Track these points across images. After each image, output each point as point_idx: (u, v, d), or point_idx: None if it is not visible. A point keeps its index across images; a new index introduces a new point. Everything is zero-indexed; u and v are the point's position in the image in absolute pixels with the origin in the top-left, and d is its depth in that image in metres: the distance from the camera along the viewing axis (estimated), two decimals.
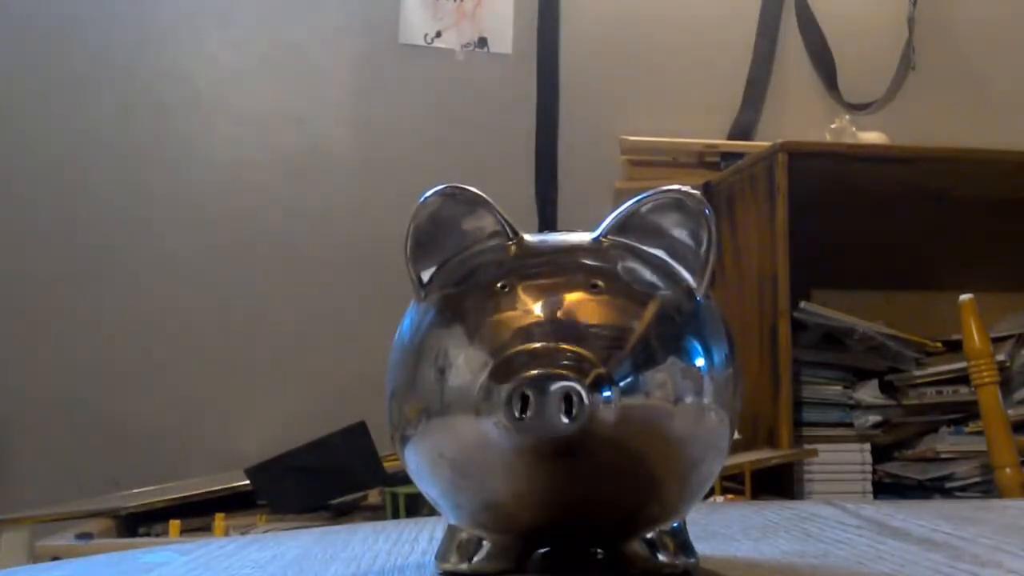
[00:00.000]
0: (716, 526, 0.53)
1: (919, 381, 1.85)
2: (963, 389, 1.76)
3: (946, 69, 2.26)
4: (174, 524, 1.42)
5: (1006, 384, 1.73)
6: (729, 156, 2.04)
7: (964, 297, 1.40)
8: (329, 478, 1.48)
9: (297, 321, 2.04)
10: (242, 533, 1.36)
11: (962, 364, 1.56)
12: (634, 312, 0.37)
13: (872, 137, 2.02)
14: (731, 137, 2.17)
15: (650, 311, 0.37)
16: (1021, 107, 2.28)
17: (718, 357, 0.38)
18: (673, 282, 0.39)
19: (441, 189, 0.40)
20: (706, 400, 0.37)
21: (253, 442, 1.84)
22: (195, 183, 2.06)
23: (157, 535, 1.43)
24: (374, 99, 2.12)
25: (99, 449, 1.93)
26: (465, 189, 0.40)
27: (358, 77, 2.12)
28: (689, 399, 0.37)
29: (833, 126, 2.05)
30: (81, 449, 1.94)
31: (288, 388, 2.03)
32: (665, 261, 0.39)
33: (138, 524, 1.48)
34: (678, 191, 0.39)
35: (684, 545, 0.40)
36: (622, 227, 0.40)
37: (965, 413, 1.80)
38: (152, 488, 1.65)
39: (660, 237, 0.39)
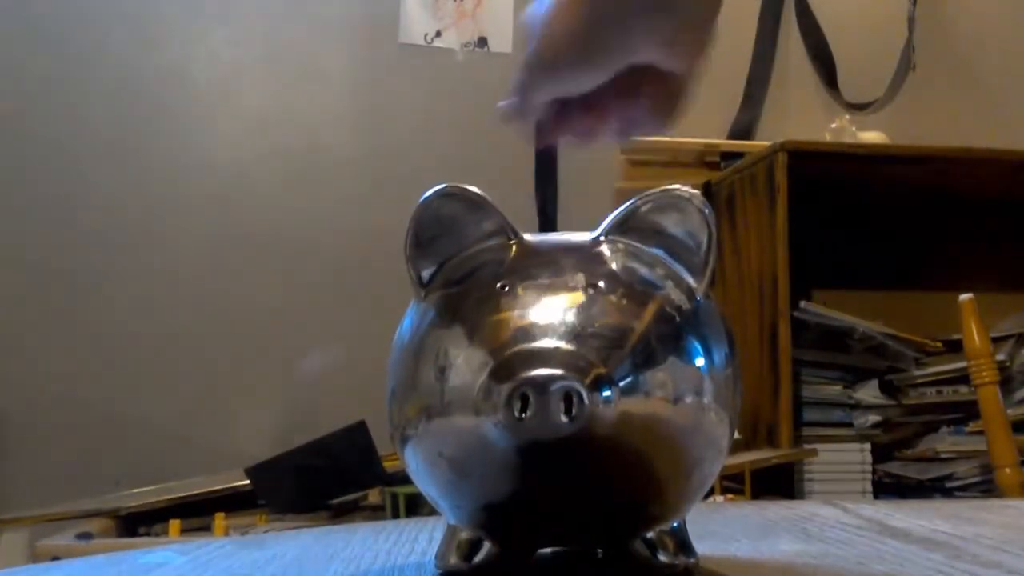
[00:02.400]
0: (716, 526, 0.53)
1: (919, 381, 1.85)
2: (963, 389, 1.76)
3: (946, 69, 2.26)
4: (174, 524, 1.42)
5: (1006, 384, 1.73)
6: (729, 156, 2.04)
7: (964, 297, 1.40)
8: (329, 478, 1.48)
9: (297, 321, 2.04)
10: (242, 533, 1.36)
11: (962, 364, 1.56)
12: (634, 312, 0.37)
13: (872, 137, 2.02)
14: (731, 137, 2.17)
15: (650, 311, 0.37)
16: (1021, 107, 2.28)
17: (718, 357, 0.38)
18: (673, 282, 0.39)
19: (442, 189, 0.40)
20: (706, 400, 0.37)
21: (253, 442, 1.84)
22: (194, 182, 2.05)
23: (157, 535, 1.43)
24: (374, 98, 2.12)
25: (99, 449, 1.93)
26: (465, 189, 0.40)
27: (358, 76, 2.12)
28: (689, 399, 0.37)
29: (833, 126, 2.05)
30: (81, 449, 1.94)
31: (288, 387, 2.02)
32: (665, 261, 0.39)
33: (138, 524, 1.47)
34: (678, 191, 0.39)
35: (684, 545, 0.40)
36: (622, 227, 0.40)
37: (965, 413, 1.80)
38: (152, 488, 1.65)
39: (660, 237, 0.39)
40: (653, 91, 0.45)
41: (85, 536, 1.37)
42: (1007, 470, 1.37)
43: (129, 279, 2.01)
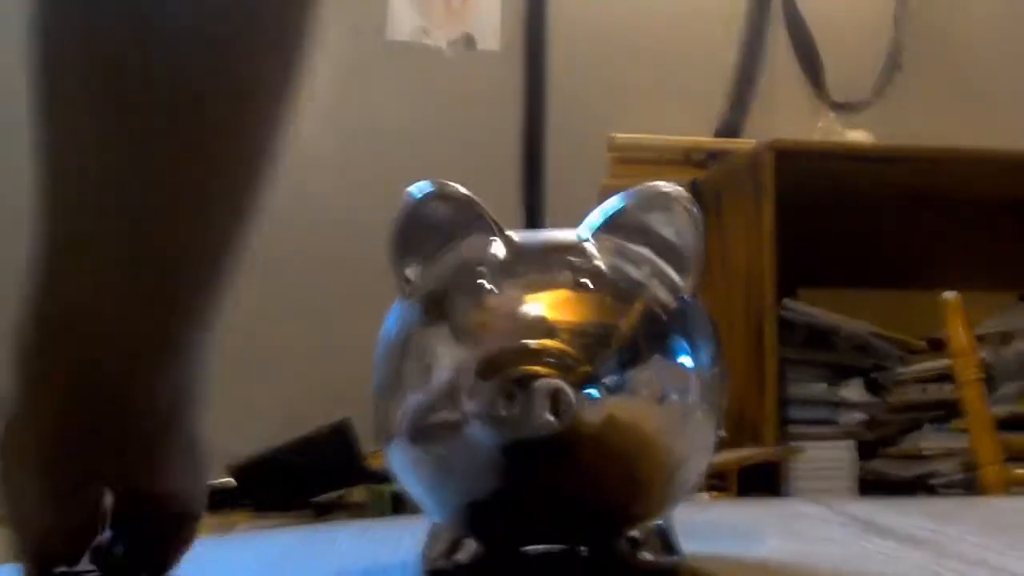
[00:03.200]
0: (702, 524, 0.53)
1: (904, 379, 1.85)
2: (947, 387, 1.77)
3: (932, 69, 2.27)
4: None
5: (989, 382, 1.73)
6: (716, 154, 2.04)
7: (948, 295, 1.41)
8: (313, 476, 1.48)
9: (282, 318, 2.03)
10: (225, 531, 1.35)
11: (946, 362, 1.57)
12: (620, 310, 0.37)
13: (858, 136, 2.03)
14: (718, 135, 2.17)
15: (636, 309, 0.37)
16: (1007, 107, 2.29)
17: (704, 356, 0.38)
18: (660, 280, 0.39)
19: (427, 186, 0.40)
20: (692, 399, 0.37)
21: (236, 439, 1.82)
22: None
23: None
24: (359, 96, 2.11)
25: None
26: (451, 186, 0.40)
27: (345, 75, 2.11)
28: (675, 398, 0.37)
29: (820, 125, 2.05)
30: None
31: (272, 385, 2.01)
32: (652, 259, 0.39)
33: None
34: (665, 189, 0.39)
35: (669, 544, 0.40)
36: (609, 226, 0.39)
37: (949, 411, 1.81)
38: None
39: (647, 235, 0.39)
40: None
41: None
42: (990, 468, 1.37)
43: None
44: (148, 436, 0.37)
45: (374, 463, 1.46)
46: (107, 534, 0.38)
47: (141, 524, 0.38)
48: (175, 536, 0.39)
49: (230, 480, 1.50)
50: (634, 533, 0.39)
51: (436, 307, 0.38)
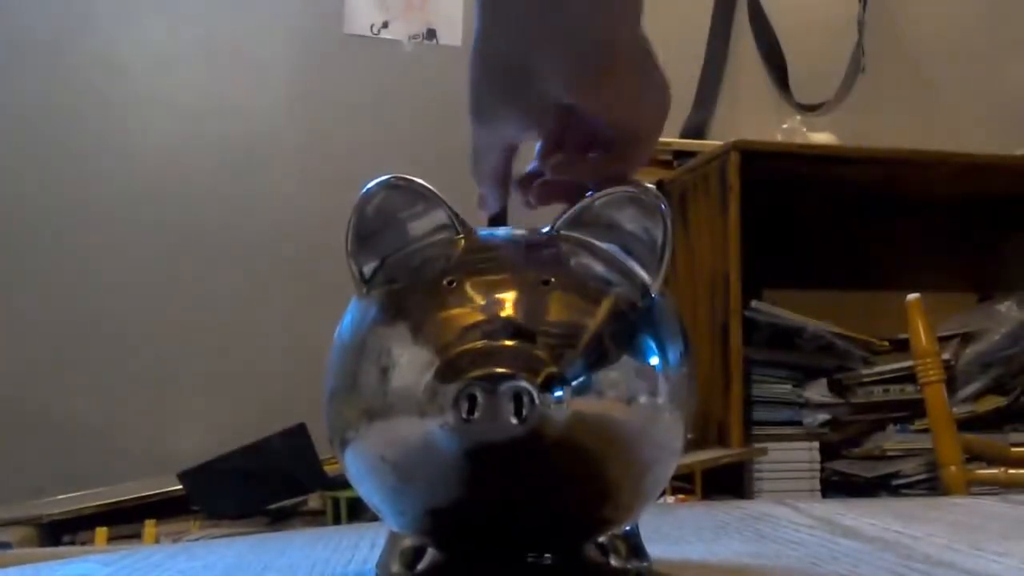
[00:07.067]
0: (668, 527, 0.52)
1: (867, 380, 1.87)
2: (909, 388, 1.79)
3: (895, 72, 2.29)
4: (101, 532, 1.36)
5: (951, 383, 1.76)
6: (682, 155, 2.04)
7: (911, 297, 1.42)
8: (267, 482, 1.45)
9: (234, 318, 1.99)
10: (175, 540, 1.32)
11: (909, 363, 1.58)
12: (587, 309, 0.36)
13: (822, 138, 2.04)
14: (684, 136, 2.17)
15: (603, 308, 0.36)
16: (967, 110, 2.32)
17: (673, 355, 0.37)
18: (627, 278, 0.38)
19: (386, 180, 0.38)
20: (660, 400, 0.36)
21: (187, 444, 1.78)
22: (127, 176, 1.98)
23: (83, 544, 1.38)
24: (317, 91, 2.08)
25: (21, 452, 1.85)
26: (411, 181, 0.39)
27: (301, 68, 2.07)
28: (643, 399, 0.36)
29: (784, 126, 2.06)
30: (1, 452, 1.85)
31: (224, 388, 1.97)
32: (619, 257, 0.38)
33: (62, 532, 1.42)
34: (634, 185, 0.38)
35: (637, 548, 0.39)
36: (575, 222, 0.38)
37: (911, 411, 1.83)
38: (78, 494, 1.58)
39: (614, 232, 0.38)
40: (604, 143, 0.41)
41: (3, 546, 1.32)
42: (952, 468, 1.39)
43: (52, 271, 1.93)
44: (587, 53, 0.38)
45: (331, 469, 1.44)
46: (533, 165, 0.43)
47: (580, 139, 0.41)
48: (613, 152, 0.41)
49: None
50: (601, 539, 0.38)
51: (394, 306, 0.37)
